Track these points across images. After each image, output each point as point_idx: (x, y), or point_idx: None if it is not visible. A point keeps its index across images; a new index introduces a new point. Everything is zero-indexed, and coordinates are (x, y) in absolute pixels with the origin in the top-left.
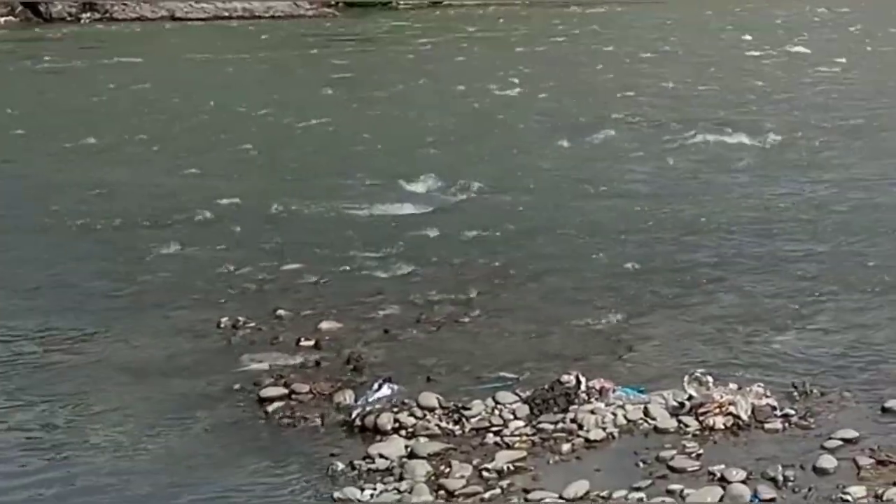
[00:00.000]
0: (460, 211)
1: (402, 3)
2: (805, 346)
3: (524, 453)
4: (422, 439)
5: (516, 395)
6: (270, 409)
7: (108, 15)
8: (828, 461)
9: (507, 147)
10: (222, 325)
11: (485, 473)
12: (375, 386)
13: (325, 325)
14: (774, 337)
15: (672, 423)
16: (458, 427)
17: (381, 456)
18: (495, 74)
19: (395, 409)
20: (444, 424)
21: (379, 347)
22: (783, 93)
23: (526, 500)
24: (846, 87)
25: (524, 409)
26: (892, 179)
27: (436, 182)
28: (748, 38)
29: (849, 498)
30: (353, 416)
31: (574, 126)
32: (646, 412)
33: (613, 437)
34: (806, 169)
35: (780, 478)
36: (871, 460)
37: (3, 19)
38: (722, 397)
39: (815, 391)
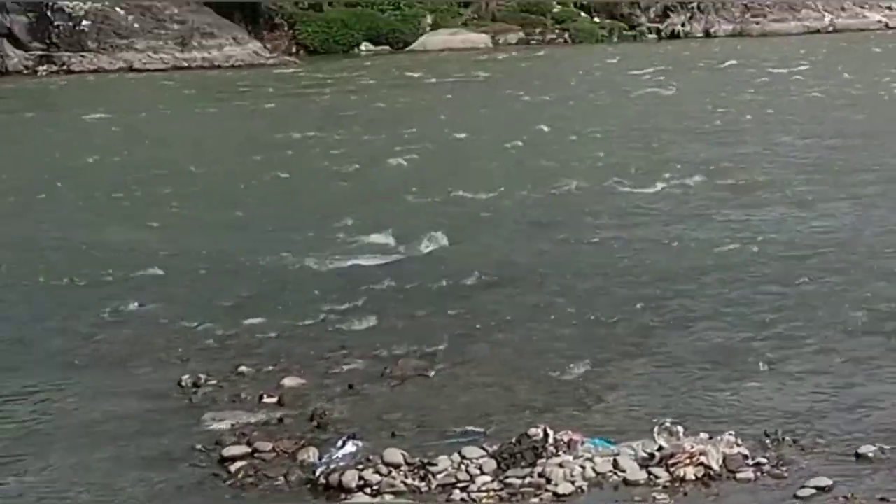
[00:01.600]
0: (424, 262)
1: (364, 50)
2: (776, 391)
3: None
4: (387, 497)
5: (483, 449)
6: (233, 468)
7: (65, 67)
8: None
9: (470, 195)
10: (183, 384)
11: None
12: (340, 443)
13: (288, 381)
14: (745, 383)
15: (642, 476)
16: (424, 483)
17: None
18: (456, 120)
19: (360, 467)
20: (409, 481)
21: (343, 403)
22: (741, 133)
23: None
24: (801, 128)
25: (491, 464)
26: (858, 219)
27: (398, 232)
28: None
29: None
30: (318, 474)
31: (538, 173)
32: (615, 464)
33: (582, 491)
34: (770, 210)
35: None
36: None
37: None
38: (692, 447)
39: (787, 438)
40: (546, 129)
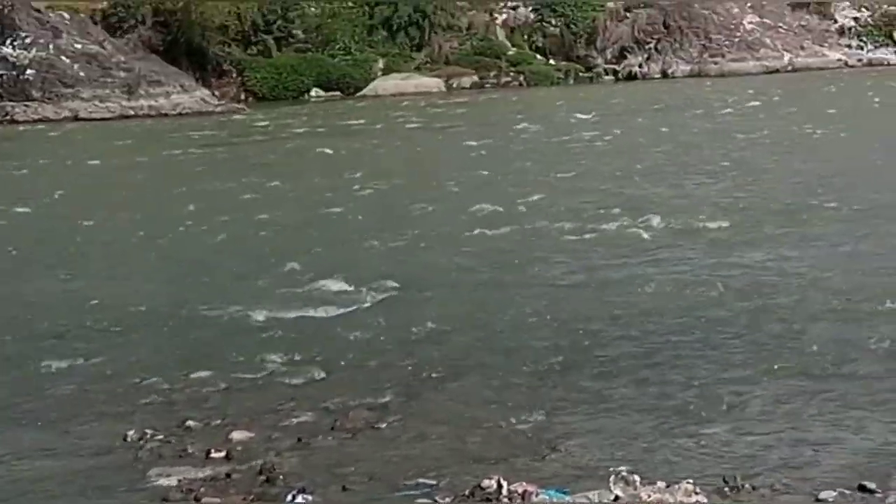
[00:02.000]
0: (374, 311)
1: (314, 96)
2: (734, 437)
3: None
4: None
5: (436, 502)
6: None
7: (8, 118)
8: None
9: (418, 241)
10: (128, 439)
11: None
12: (289, 497)
13: (236, 434)
14: (703, 429)
15: None
16: None
17: None
18: (400, 166)
19: None
20: None
21: (292, 457)
22: (698, 176)
23: None
24: (758, 173)
25: None
26: (815, 260)
27: (347, 281)
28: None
29: None
30: None
31: (486, 217)
32: None
33: None
34: (727, 253)
35: None
36: None
37: None
38: (649, 496)
39: (746, 485)
40: (486, 172)
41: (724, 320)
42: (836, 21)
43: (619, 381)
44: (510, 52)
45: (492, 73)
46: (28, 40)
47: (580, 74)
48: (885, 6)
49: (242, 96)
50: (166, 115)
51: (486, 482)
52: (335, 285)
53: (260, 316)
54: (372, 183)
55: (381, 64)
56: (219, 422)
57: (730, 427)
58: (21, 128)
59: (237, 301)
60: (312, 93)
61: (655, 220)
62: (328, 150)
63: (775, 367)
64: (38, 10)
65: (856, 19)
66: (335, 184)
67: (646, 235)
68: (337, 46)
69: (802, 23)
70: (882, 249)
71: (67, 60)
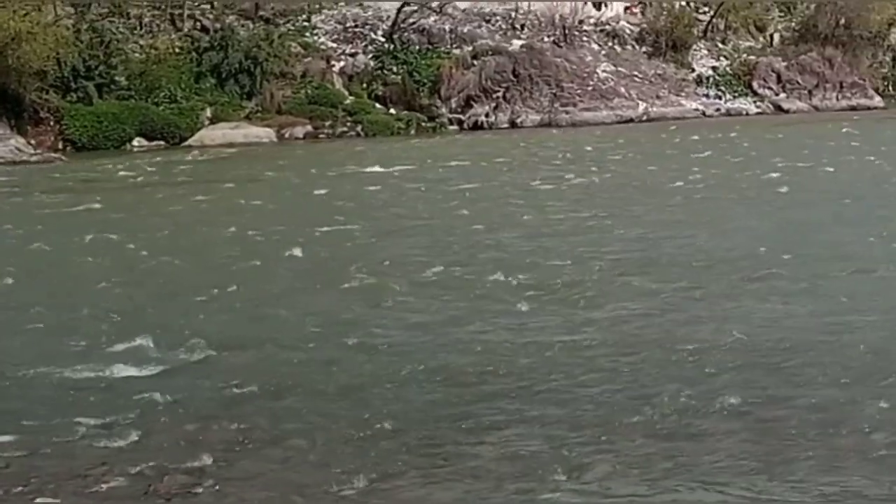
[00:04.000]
0: (193, 371)
1: (136, 146)
2: (579, 502)
3: None
4: None
5: None
6: None
7: None
8: None
9: (244, 298)
10: None
11: None
12: None
13: (40, 501)
14: (542, 494)
15: None
16: None
17: None
18: (221, 218)
19: None
20: None
21: None
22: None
23: None
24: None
25: None
26: (659, 311)
27: (163, 339)
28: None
29: None
30: None
31: (323, 274)
32: None
33: None
34: (571, 312)
35: None
36: None
37: None
38: None
39: None
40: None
41: (559, 376)
42: (693, 70)
43: (452, 446)
44: (347, 101)
45: (327, 123)
46: None
47: (423, 124)
48: (745, 55)
49: (60, 145)
50: None
51: None
52: (154, 343)
53: (68, 375)
54: (190, 237)
55: (208, 112)
56: (20, 489)
57: (573, 490)
58: None
59: (43, 360)
60: (134, 142)
61: (504, 277)
62: (144, 205)
63: (617, 422)
64: None
65: (714, 68)
66: (150, 239)
67: (500, 292)
68: (162, 94)
69: (659, 71)
70: (720, 301)
71: None
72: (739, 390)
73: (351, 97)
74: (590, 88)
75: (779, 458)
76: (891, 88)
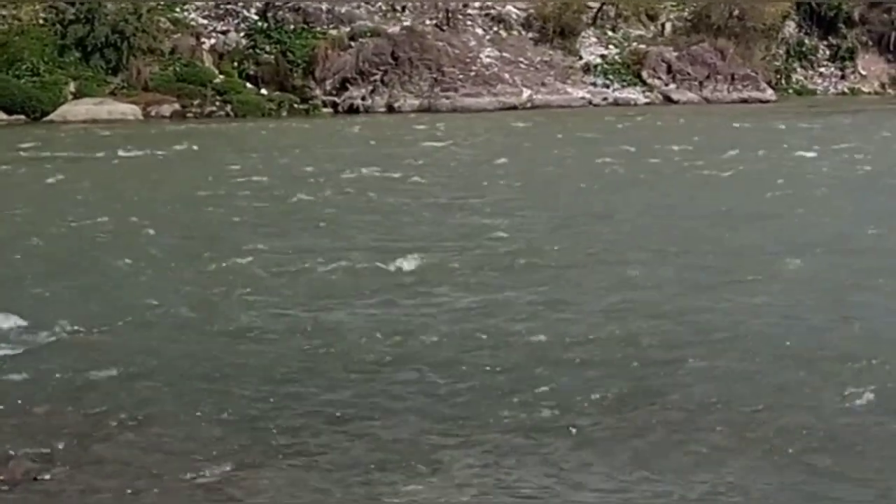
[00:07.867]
0: (49, 352)
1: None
2: (438, 496)
3: None
4: None
5: None
6: None
7: None
8: None
9: (112, 280)
10: None
11: None
12: None
13: None
14: (405, 486)
15: None
16: None
17: None
18: (90, 199)
19: None
20: None
21: None
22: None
23: None
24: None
25: None
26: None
27: (18, 320)
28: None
29: None
30: None
31: (189, 253)
32: None
33: None
34: (428, 296)
35: None
36: None
37: None
38: None
39: None
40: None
41: (437, 366)
42: (581, 58)
43: (319, 435)
44: (217, 80)
45: (195, 102)
46: None
47: (295, 106)
48: (635, 44)
49: None
50: None
51: None
52: (5, 323)
53: None
54: (52, 218)
55: (72, 87)
56: None
57: (433, 482)
58: None
59: None
60: None
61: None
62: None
63: (490, 420)
64: None
65: (603, 56)
66: (9, 217)
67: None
68: (24, 66)
69: (545, 58)
70: (590, 297)
71: None
72: (617, 382)
73: (221, 76)
74: (472, 74)
75: (655, 453)
76: (783, 82)
